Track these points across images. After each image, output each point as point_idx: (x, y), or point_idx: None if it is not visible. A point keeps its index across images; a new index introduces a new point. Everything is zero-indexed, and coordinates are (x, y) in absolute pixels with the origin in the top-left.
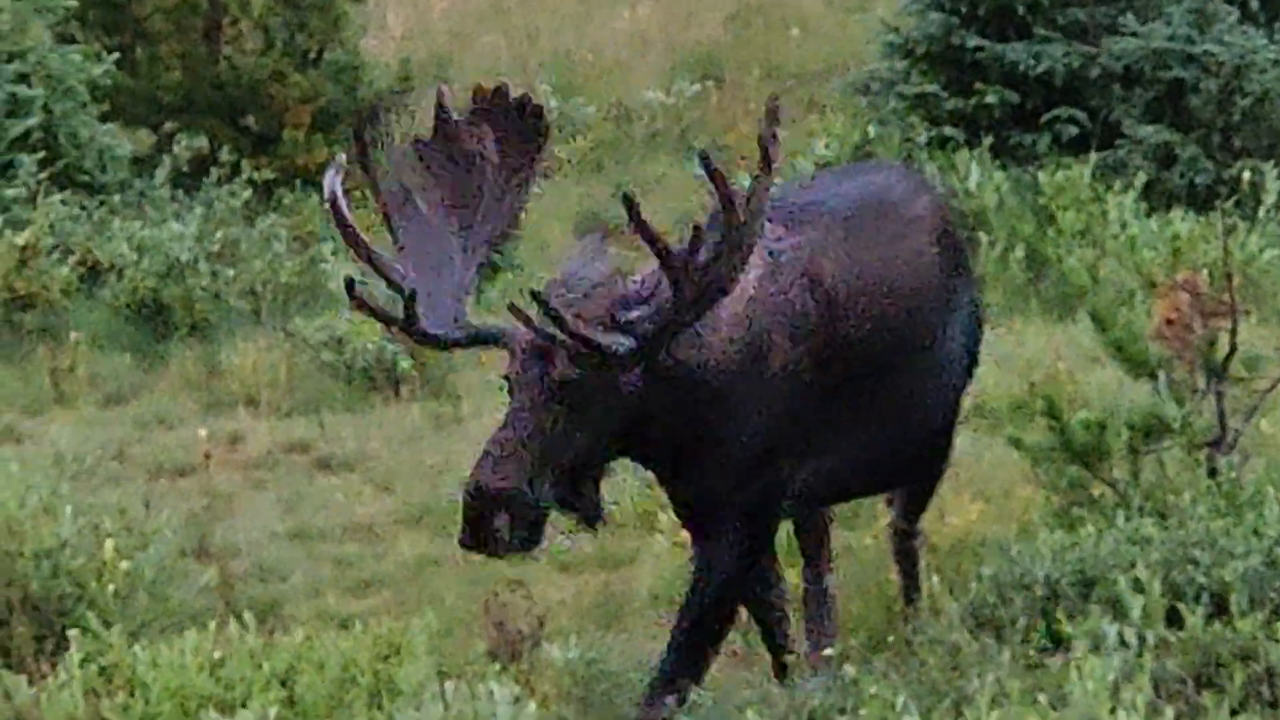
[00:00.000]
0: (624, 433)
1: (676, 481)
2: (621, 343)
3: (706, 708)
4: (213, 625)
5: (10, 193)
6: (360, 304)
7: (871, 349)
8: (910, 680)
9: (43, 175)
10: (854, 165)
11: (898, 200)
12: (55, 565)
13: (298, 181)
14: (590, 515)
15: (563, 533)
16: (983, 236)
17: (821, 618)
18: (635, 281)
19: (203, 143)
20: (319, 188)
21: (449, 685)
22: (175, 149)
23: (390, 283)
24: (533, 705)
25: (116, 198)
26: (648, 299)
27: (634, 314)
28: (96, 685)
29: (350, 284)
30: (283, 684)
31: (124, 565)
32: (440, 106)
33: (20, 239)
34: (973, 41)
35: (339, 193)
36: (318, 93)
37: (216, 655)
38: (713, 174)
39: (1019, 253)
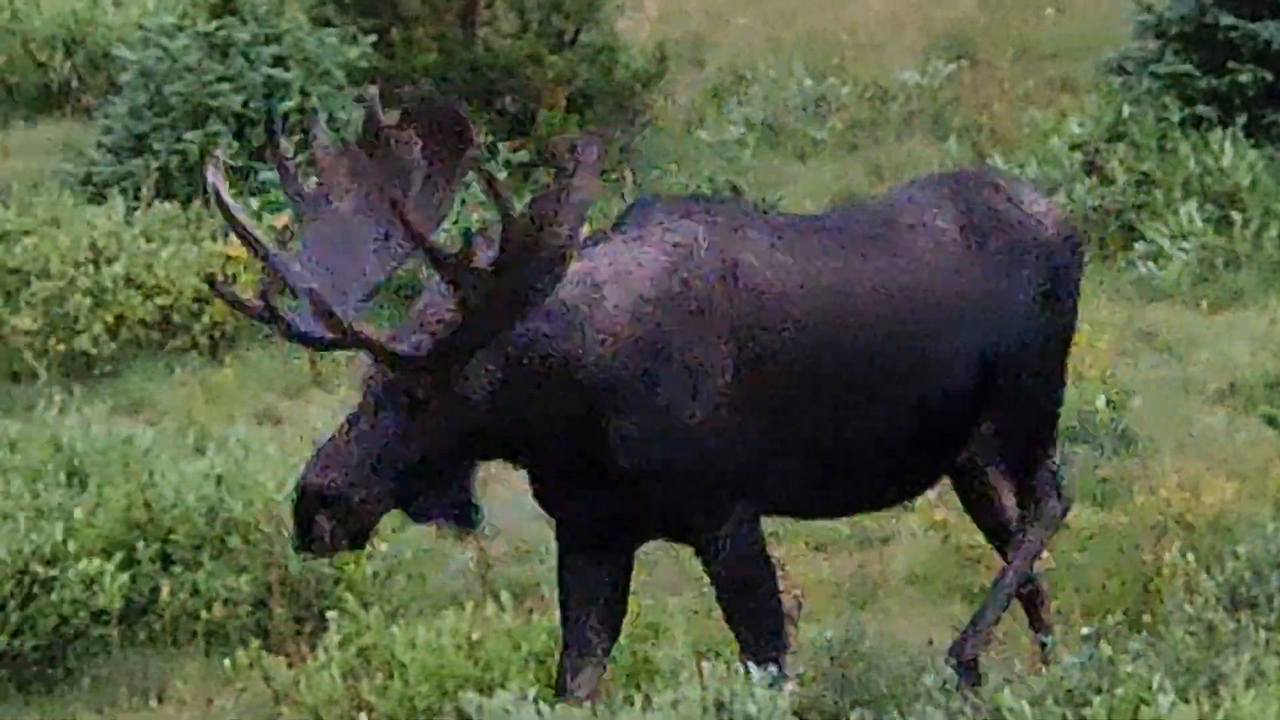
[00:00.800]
0: (485, 437)
1: (592, 493)
2: (401, 346)
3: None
4: (470, 606)
5: (267, 175)
6: (223, 296)
7: (827, 357)
8: (1166, 659)
9: (300, 158)
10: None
11: (904, 211)
12: None
13: (554, 163)
14: (461, 517)
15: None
16: (1236, 216)
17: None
18: (430, 292)
19: None
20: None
21: (706, 665)
22: None
23: (276, 277)
24: (790, 685)
25: None
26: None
27: (428, 316)
28: (354, 666)
29: (210, 279)
30: (540, 664)
31: (383, 547)
32: (370, 114)
33: (278, 221)
34: (1226, 20)
35: (221, 186)
36: (573, 74)
37: (474, 636)
38: (489, 183)
39: (1273, 231)
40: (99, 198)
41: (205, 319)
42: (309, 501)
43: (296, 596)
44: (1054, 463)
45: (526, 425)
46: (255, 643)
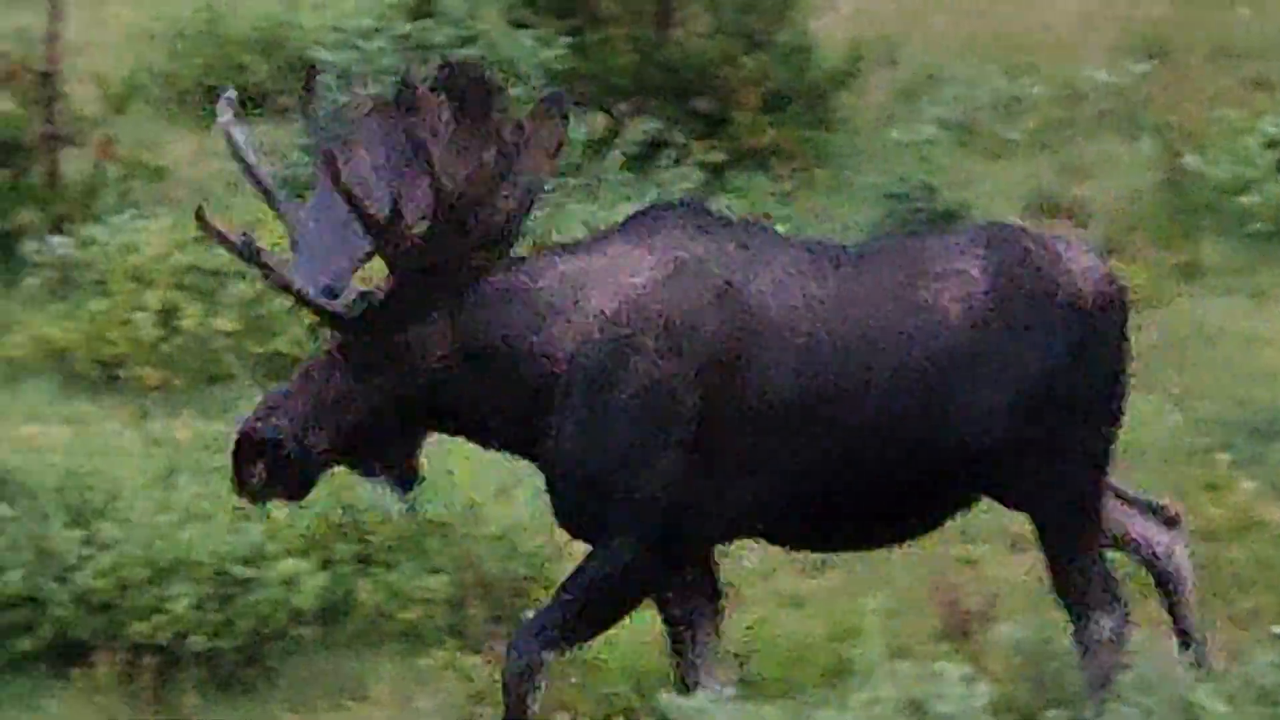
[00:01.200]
0: (430, 409)
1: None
2: (336, 305)
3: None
4: None
5: None
6: (206, 227)
7: (817, 393)
8: None
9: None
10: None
11: (930, 255)
12: (512, 547)
13: (748, 163)
14: (400, 483)
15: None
16: None
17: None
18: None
19: (654, 125)
20: (768, 169)
21: (901, 665)
22: (627, 132)
23: (287, 228)
24: (984, 685)
25: (571, 181)
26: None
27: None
28: (552, 666)
29: (200, 211)
30: (740, 663)
31: (579, 545)
32: (403, 78)
33: None
34: None
35: (232, 126)
36: (767, 74)
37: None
38: (419, 153)
39: None
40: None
41: None
42: (245, 446)
43: (492, 596)
44: (1094, 561)
45: (475, 407)
46: (452, 643)
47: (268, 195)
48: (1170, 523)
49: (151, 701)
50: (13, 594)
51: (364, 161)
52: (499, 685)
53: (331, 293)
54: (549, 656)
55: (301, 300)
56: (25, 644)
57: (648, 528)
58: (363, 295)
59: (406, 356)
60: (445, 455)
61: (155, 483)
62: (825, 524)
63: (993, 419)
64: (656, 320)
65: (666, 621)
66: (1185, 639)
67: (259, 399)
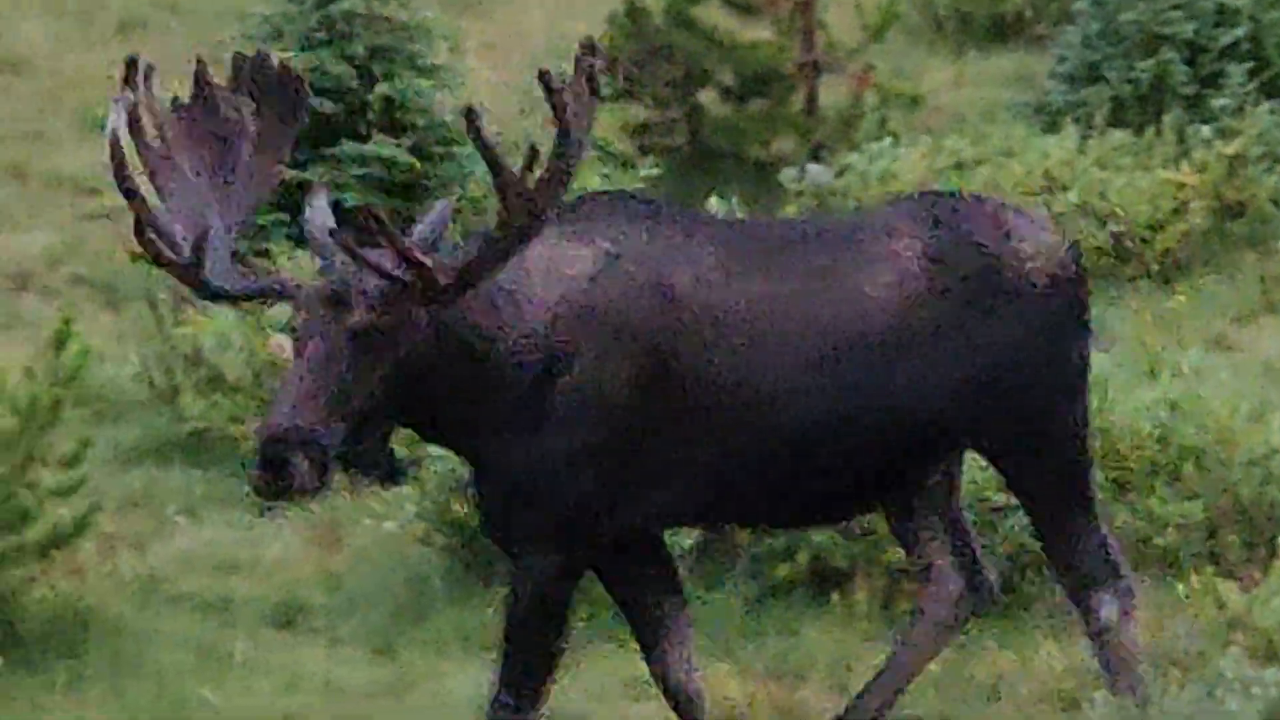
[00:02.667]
0: (406, 395)
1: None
2: (447, 264)
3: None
4: None
5: (1219, 103)
6: (146, 244)
7: (755, 382)
8: None
9: (1251, 85)
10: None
11: (871, 236)
12: (1266, 473)
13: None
14: (383, 472)
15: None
16: None
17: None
18: (425, 225)
19: None
20: None
21: None
22: None
23: (161, 235)
24: None
25: None
26: (435, 241)
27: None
28: None
29: (139, 222)
30: None
31: None
32: (199, 77)
33: (1229, 148)
34: None
35: (121, 129)
36: None
37: None
38: (552, 91)
39: None
40: (1052, 127)
41: (1156, 246)
42: (287, 444)
43: (1248, 522)
44: (1099, 533)
45: (434, 392)
46: (1207, 568)
47: (140, 203)
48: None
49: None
50: None
51: (186, 160)
52: (1253, 611)
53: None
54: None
55: (411, 257)
56: (784, 570)
57: (565, 539)
58: (465, 260)
59: (403, 334)
60: (1198, 383)
61: None
62: (762, 503)
63: (936, 402)
64: (592, 319)
65: (636, 629)
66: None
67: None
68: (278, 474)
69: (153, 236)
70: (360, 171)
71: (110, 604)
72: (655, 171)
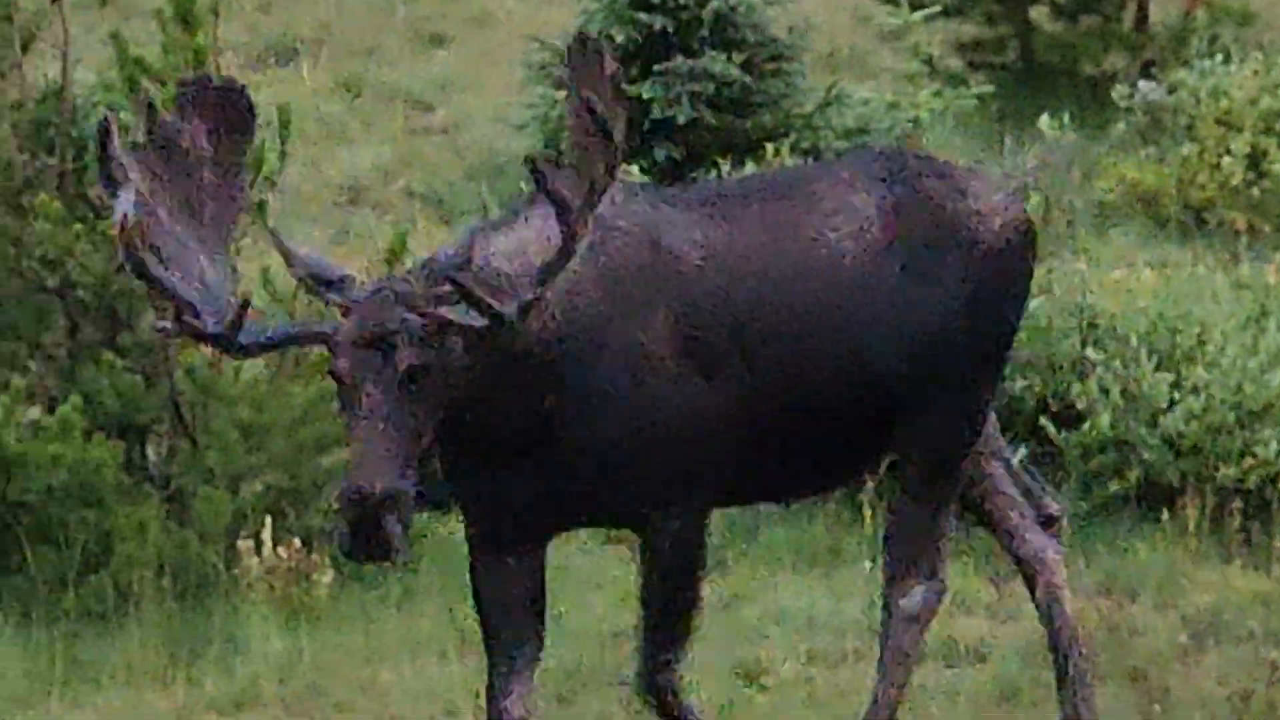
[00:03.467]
0: (450, 410)
1: (518, 475)
2: (509, 305)
3: None
4: None
5: None
6: (178, 320)
7: (736, 338)
8: None
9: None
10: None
11: (826, 192)
12: None
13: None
14: (438, 500)
15: None
16: None
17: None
18: (445, 252)
19: None
20: None
21: None
22: None
23: (173, 298)
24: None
25: None
26: (462, 266)
27: (517, 274)
28: None
29: (179, 309)
30: None
31: None
32: (147, 107)
33: None
34: None
35: (129, 213)
36: None
37: None
38: (590, 111)
39: None
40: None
41: None
42: (380, 506)
43: None
44: (943, 525)
45: (475, 396)
46: None
47: (141, 269)
48: (1047, 522)
49: (1240, 545)
50: (1102, 437)
51: (160, 213)
52: None
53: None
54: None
55: (483, 307)
56: (1114, 486)
57: (682, 485)
58: (532, 288)
59: (446, 364)
60: None
61: (1243, 327)
62: (741, 478)
63: (890, 362)
64: (610, 281)
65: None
66: (1061, 662)
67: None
68: (371, 538)
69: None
70: (691, 87)
71: (445, 520)
72: (988, 89)
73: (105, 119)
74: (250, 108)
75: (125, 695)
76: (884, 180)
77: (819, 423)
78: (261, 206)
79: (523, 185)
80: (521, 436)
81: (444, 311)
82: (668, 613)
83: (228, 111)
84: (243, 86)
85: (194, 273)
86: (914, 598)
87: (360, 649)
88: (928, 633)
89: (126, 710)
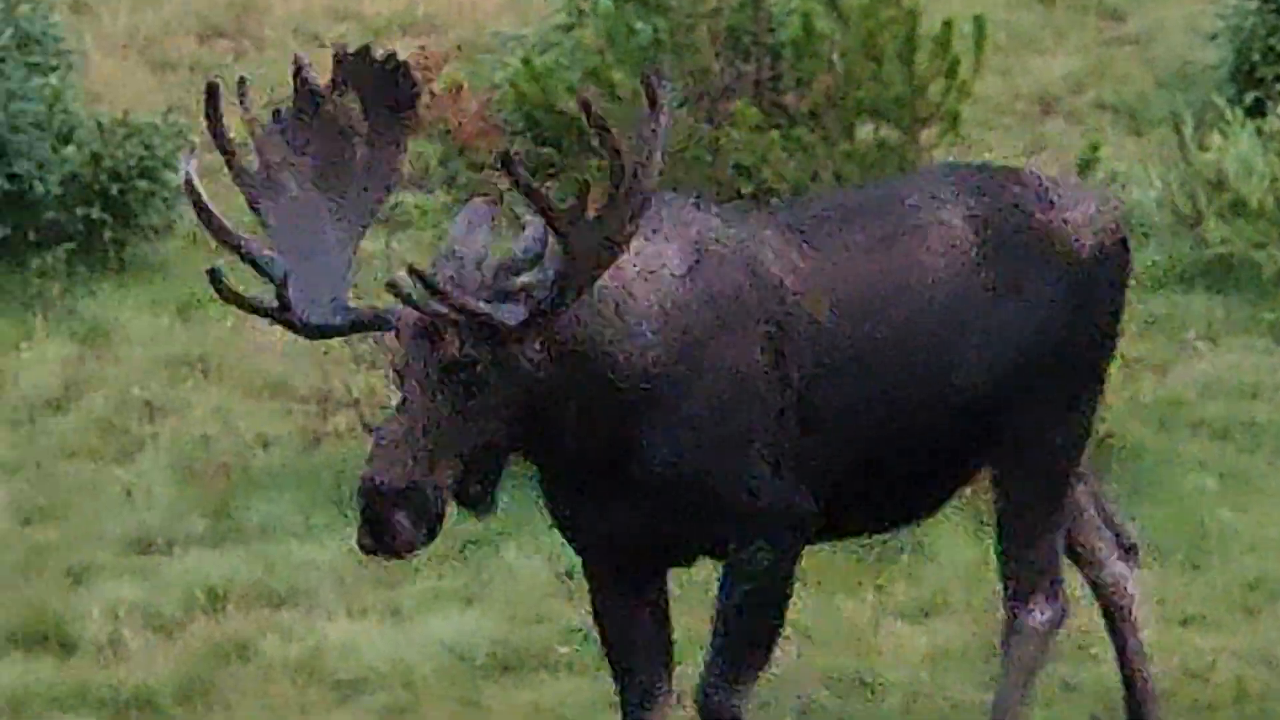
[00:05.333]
0: (529, 421)
1: (618, 505)
2: (512, 312)
3: None
4: None
5: None
6: (228, 295)
7: (830, 363)
8: None
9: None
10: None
11: (915, 204)
12: None
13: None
14: (480, 506)
15: None
16: None
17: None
18: (520, 246)
19: None
20: None
21: None
22: None
23: (261, 271)
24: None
25: None
26: (534, 263)
27: (522, 280)
28: None
29: (215, 274)
30: None
31: None
32: (299, 75)
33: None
34: None
35: (194, 176)
36: None
37: None
38: (597, 122)
39: None
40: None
41: None
42: (387, 500)
43: None
44: (1055, 545)
45: (561, 414)
46: None
47: (233, 242)
48: (1127, 552)
49: None
50: None
51: (289, 181)
52: None
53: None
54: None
55: (468, 314)
56: None
57: (773, 521)
58: (534, 299)
59: (512, 364)
60: None
61: None
62: (842, 510)
63: (984, 379)
64: (707, 307)
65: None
66: (1129, 686)
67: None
68: (379, 531)
69: (228, 287)
70: None
71: (1130, 428)
72: None
73: (211, 84)
74: (413, 85)
75: (816, 601)
76: (971, 193)
77: (914, 446)
78: (955, 117)
79: (1213, 97)
80: (611, 459)
81: (474, 306)
82: (740, 642)
83: (387, 88)
84: (404, 63)
85: (307, 247)
86: (1038, 614)
87: None
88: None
89: (819, 615)
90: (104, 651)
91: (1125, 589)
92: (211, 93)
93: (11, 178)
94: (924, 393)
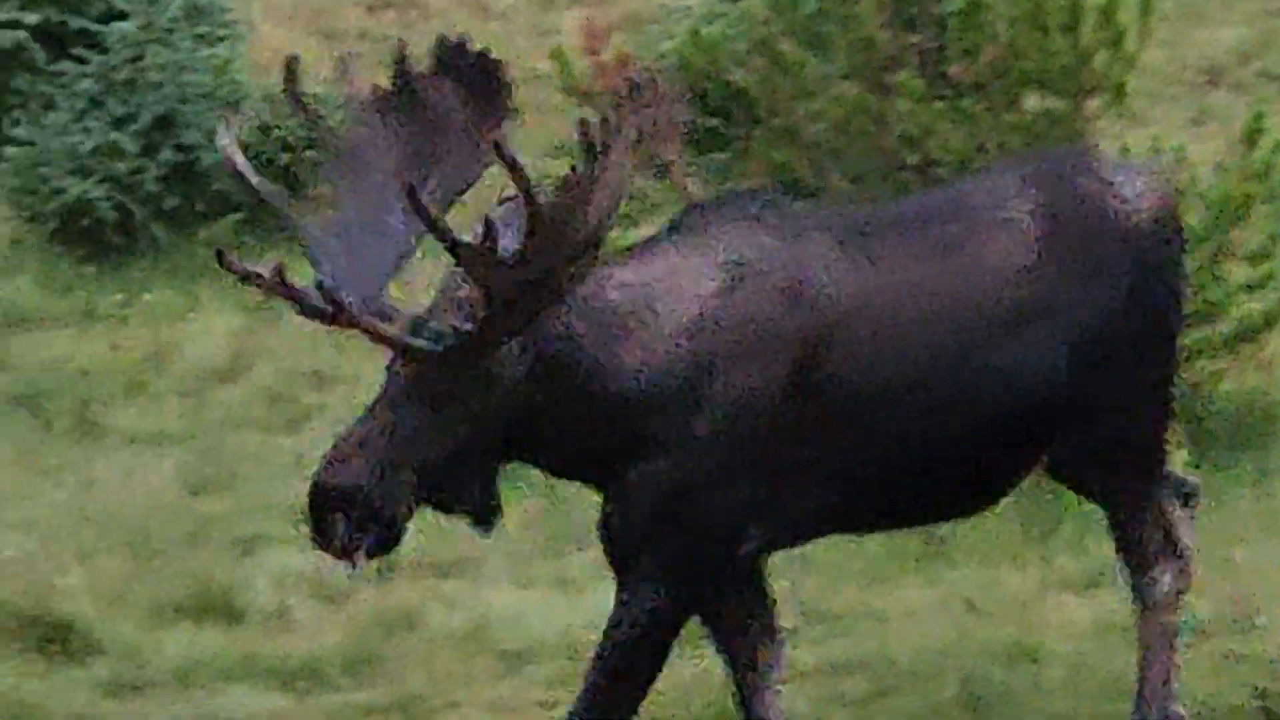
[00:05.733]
0: (510, 434)
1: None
2: (418, 341)
3: None
4: None
5: None
6: (231, 268)
7: (888, 374)
8: None
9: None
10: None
11: (978, 204)
12: None
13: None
14: (481, 517)
15: None
16: None
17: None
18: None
19: None
20: None
21: None
22: None
23: (305, 251)
24: None
25: None
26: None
27: (448, 305)
28: None
29: (220, 253)
30: None
31: None
32: (400, 58)
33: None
34: None
35: (234, 149)
36: None
37: None
38: (507, 161)
39: None
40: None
41: None
42: (323, 500)
43: None
44: (1163, 506)
45: (550, 432)
46: None
47: (285, 219)
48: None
49: None
50: None
51: (373, 161)
52: None
53: (385, 315)
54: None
55: (381, 339)
56: None
57: (698, 567)
58: (454, 330)
59: (484, 380)
60: None
61: None
62: (895, 501)
63: (1056, 372)
64: (732, 333)
65: (728, 662)
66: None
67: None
68: (325, 533)
69: (235, 264)
70: None
71: None
72: None
73: (291, 58)
74: (505, 83)
75: (980, 573)
76: (1036, 185)
77: (974, 443)
78: (1121, 88)
79: None
80: (599, 474)
81: (380, 329)
82: (601, 683)
83: (482, 81)
84: (499, 61)
85: (363, 229)
86: (1164, 581)
87: (1215, 527)
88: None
89: (983, 588)
90: (271, 622)
91: (1167, 595)
92: (290, 66)
93: (180, 149)
94: (987, 391)
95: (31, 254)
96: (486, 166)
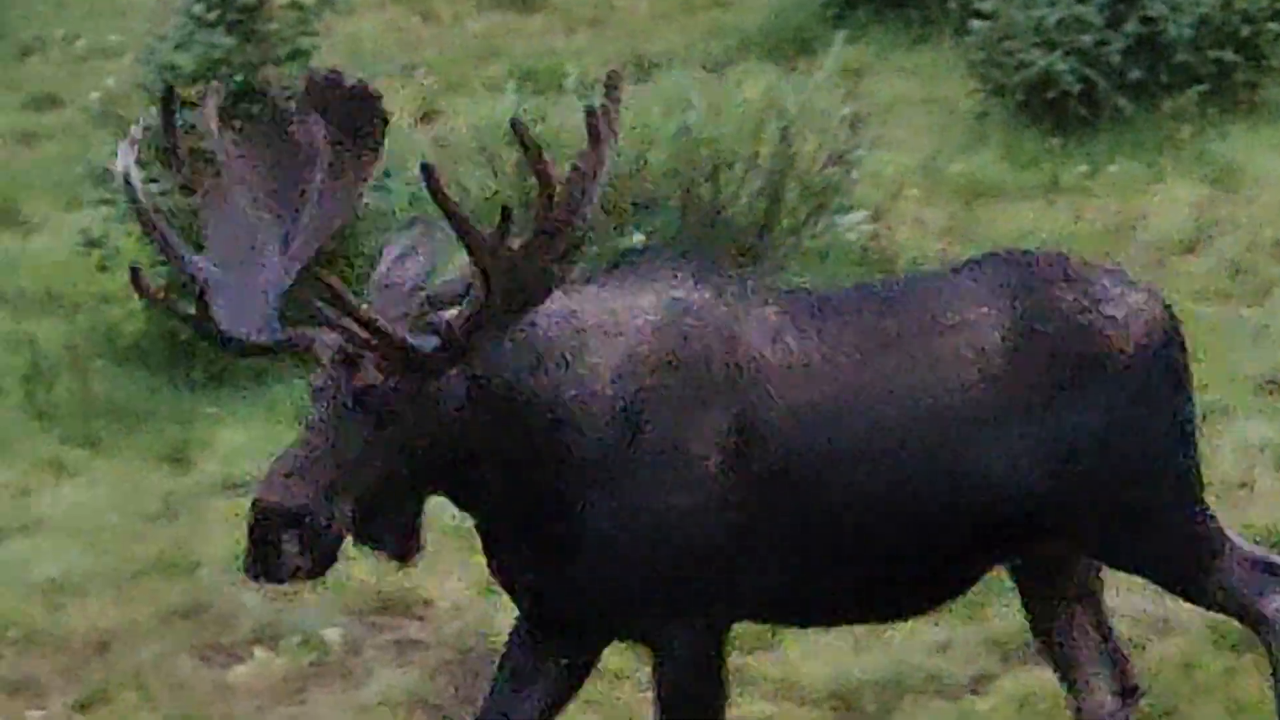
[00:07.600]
0: (445, 462)
1: (541, 563)
2: (426, 341)
3: None
4: None
5: None
6: (147, 294)
7: (824, 456)
8: None
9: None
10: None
11: (949, 304)
12: None
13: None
14: (396, 550)
15: None
16: None
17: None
18: (451, 279)
19: None
20: None
21: None
22: None
23: (188, 276)
24: None
25: None
26: (464, 295)
27: (444, 313)
28: None
29: (135, 271)
30: None
31: None
32: (268, 96)
33: None
34: None
35: (132, 169)
36: None
37: None
38: (528, 148)
39: None
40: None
41: None
42: (274, 522)
43: None
44: (1221, 542)
45: (480, 458)
46: None
47: (170, 251)
48: (1125, 693)
49: None
50: None
51: (247, 186)
52: None
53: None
54: None
55: (383, 337)
56: None
57: (698, 597)
58: (448, 326)
59: (427, 401)
60: None
61: None
62: (838, 594)
63: (1020, 483)
64: (666, 371)
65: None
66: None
67: (269, 465)
68: (264, 554)
69: (148, 286)
70: None
71: None
72: None
73: (169, 88)
74: (381, 118)
75: None
76: (1011, 290)
77: (917, 548)
78: None
79: None
80: (537, 519)
81: (387, 329)
82: None
83: (354, 116)
84: (376, 94)
85: (245, 263)
86: (1274, 603)
87: None
88: None
89: None
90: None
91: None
92: (167, 98)
93: (1144, 20)
94: (930, 493)
95: (996, 127)
96: (357, 204)
